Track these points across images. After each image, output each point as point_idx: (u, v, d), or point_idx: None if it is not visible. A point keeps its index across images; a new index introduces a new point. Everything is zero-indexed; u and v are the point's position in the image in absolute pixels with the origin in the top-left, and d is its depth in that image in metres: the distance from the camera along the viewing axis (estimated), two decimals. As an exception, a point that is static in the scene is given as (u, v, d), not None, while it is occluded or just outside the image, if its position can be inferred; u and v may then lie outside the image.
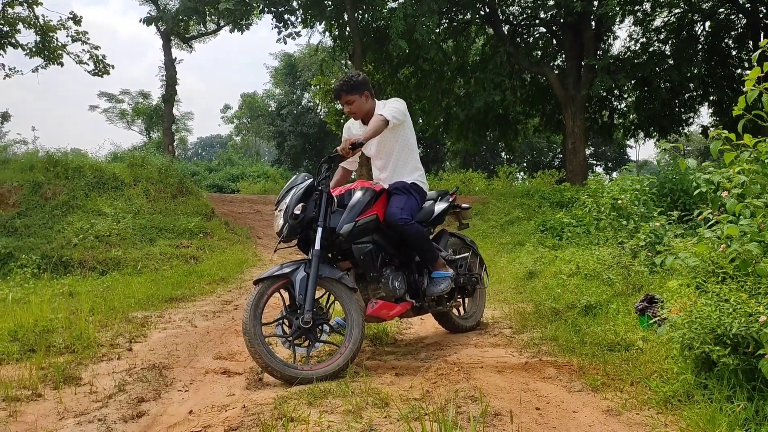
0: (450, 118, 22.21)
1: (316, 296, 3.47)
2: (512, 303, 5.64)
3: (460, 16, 21.04)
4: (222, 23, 27.85)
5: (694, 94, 20.70)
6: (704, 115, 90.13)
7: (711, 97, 20.67)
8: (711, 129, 4.63)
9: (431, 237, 4.48)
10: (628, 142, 37.62)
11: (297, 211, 3.51)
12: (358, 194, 3.86)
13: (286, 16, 21.59)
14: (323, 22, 21.12)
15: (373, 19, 20.58)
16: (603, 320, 4.17)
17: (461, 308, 4.79)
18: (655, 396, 2.70)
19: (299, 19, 21.64)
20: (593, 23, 18.42)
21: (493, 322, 4.93)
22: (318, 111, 37.28)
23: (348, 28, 20.47)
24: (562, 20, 18.95)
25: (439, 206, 4.45)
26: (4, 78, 20.77)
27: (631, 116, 21.86)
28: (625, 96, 21.26)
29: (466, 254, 4.69)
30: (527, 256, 7.80)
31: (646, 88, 19.56)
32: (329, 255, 3.72)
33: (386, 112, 3.90)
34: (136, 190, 11.81)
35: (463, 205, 4.79)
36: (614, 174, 45.06)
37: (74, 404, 2.94)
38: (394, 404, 2.74)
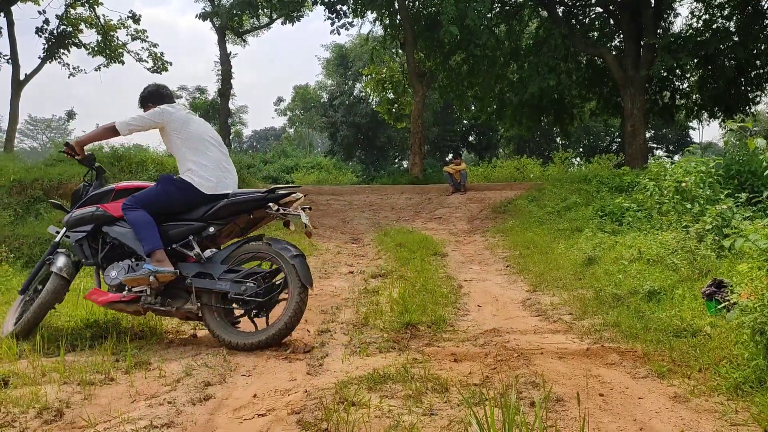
0: (503, 104, 21.86)
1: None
2: (571, 289, 5.53)
3: (512, 0, 20.64)
4: (275, 16, 28.20)
5: (761, 71, 19.70)
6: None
7: (779, 74, 19.64)
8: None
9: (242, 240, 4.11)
10: (690, 124, 36.34)
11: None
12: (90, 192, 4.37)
13: (338, 6, 21.70)
14: (374, 11, 21.12)
15: (424, 6, 20.45)
16: (668, 306, 4.05)
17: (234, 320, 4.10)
18: (724, 382, 2.62)
19: (350, 9, 21.72)
20: (652, 1, 17.74)
21: (552, 309, 4.85)
22: (370, 101, 37.31)
23: (399, 16, 20.41)
24: (619, -1, 18.36)
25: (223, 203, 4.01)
26: (69, 77, 21.79)
27: (694, 96, 20.97)
28: (688, 75, 20.40)
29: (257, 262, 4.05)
30: (586, 242, 7.62)
31: (709, 67, 18.73)
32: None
33: (120, 119, 4.22)
34: (195, 182, 12.13)
35: (286, 200, 3.97)
36: (676, 157, 43.45)
37: (145, 388, 3.06)
38: (454, 389, 2.74)
